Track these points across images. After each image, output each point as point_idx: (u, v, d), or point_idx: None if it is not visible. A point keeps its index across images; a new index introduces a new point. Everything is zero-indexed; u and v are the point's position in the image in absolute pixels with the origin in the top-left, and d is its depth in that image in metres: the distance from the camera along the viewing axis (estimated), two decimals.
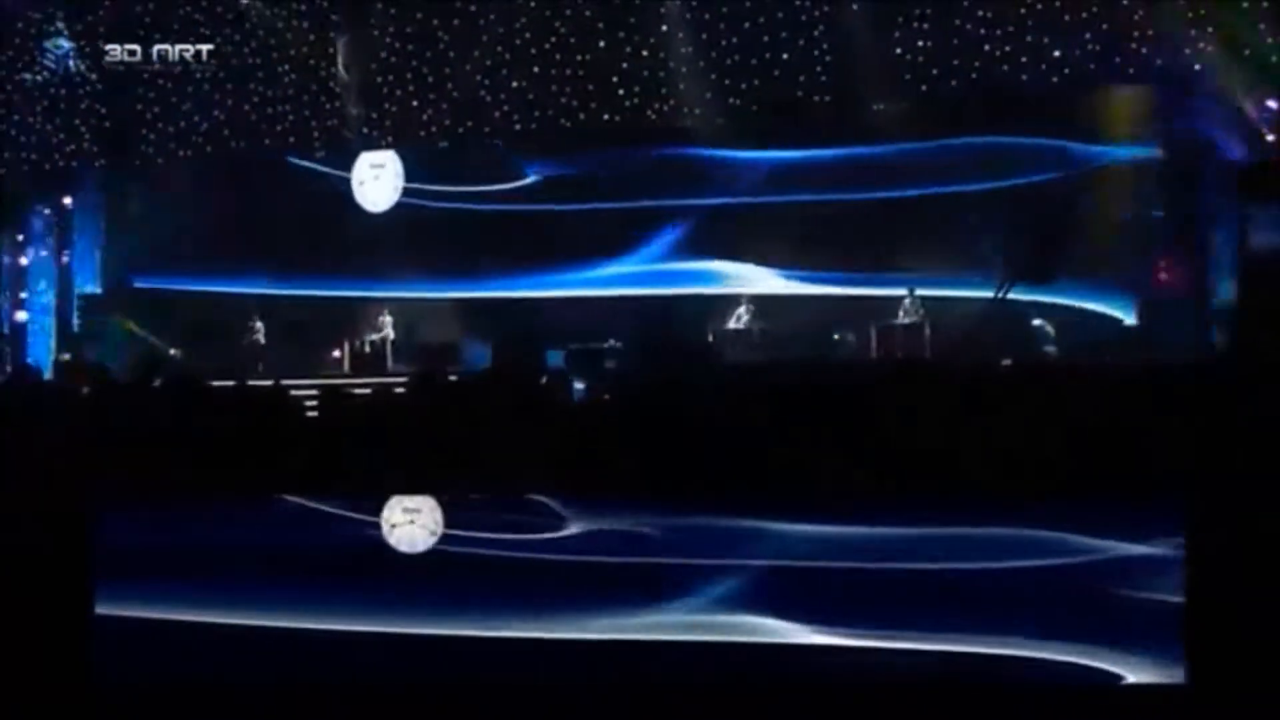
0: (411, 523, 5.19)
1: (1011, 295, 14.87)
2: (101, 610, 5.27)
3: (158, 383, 7.51)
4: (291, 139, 18.09)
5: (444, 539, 5.14)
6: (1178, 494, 4.79)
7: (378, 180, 17.82)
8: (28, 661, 5.29)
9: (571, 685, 5.02)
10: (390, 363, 16.60)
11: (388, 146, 17.79)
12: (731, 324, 16.22)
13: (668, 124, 16.78)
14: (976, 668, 4.88)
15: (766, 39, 16.59)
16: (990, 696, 4.84)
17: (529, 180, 17.26)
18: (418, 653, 5.17)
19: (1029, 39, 15.63)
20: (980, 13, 15.79)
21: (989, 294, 14.79)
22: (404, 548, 5.20)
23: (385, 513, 5.19)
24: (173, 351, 17.33)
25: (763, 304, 16.15)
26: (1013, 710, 4.85)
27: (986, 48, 15.79)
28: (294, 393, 7.51)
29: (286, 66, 18.04)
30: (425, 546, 5.19)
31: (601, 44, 17.16)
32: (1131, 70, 15.21)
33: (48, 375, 16.41)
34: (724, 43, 16.75)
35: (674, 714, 4.96)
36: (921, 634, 4.90)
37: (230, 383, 8.52)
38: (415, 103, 17.81)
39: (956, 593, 4.90)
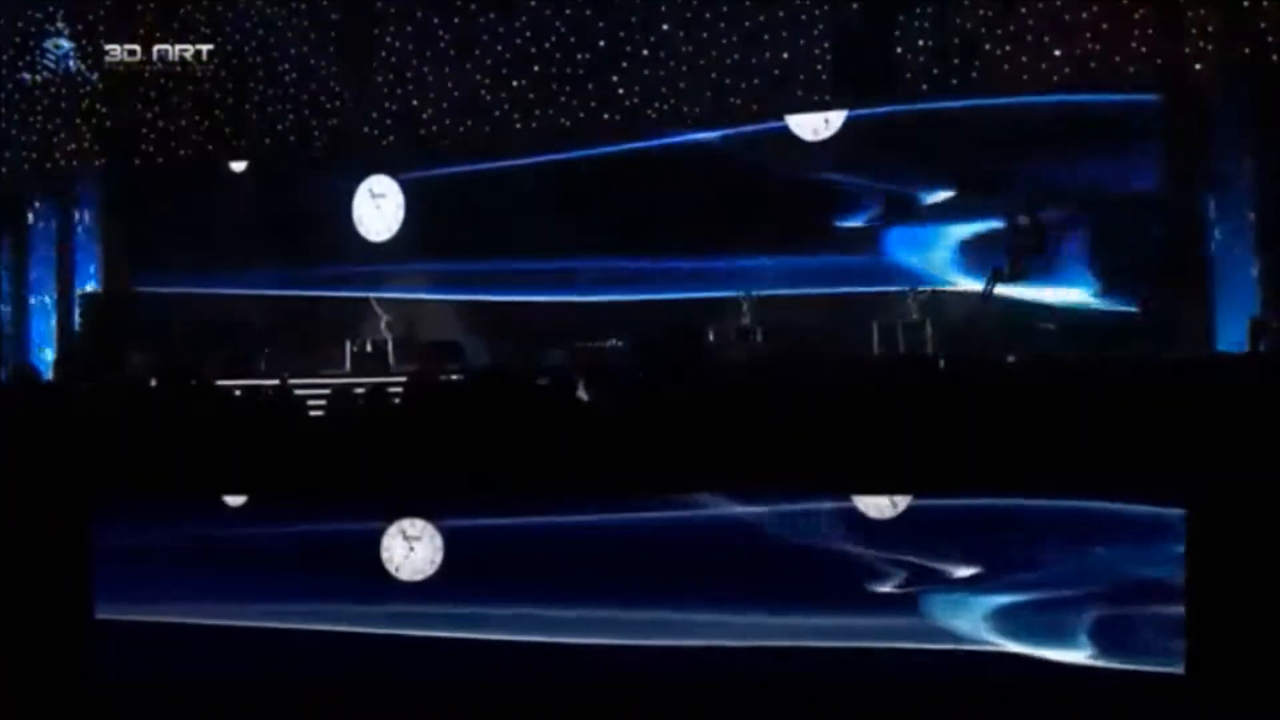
0: (412, 551, 5.16)
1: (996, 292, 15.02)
2: (100, 610, 5.26)
3: (157, 382, 7.51)
4: (291, 138, 18.10)
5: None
6: (1179, 493, 4.79)
7: (379, 210, 17.85)
8: (27, 660, 5.28)
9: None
10: (392, 362, 16.59)
11: None
12: (734, 322, 16.19)
13: None
14: (976, 666, 4.87)
15: (767, 38, 16.59)
16: (991, 695, 4.84)
17: None
18: (420, 655, 5.16)
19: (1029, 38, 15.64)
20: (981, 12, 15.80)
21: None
22: (404, 576, 5.17)
23: (386, 541, 5.17)
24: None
25: (764, 302, 16.10)
26: (1014, 709, 4.84)
27: (987, 47, 15.78)
28: (296, 392, 7.50)
29: (287, 66, 18.05)
30: (425, 575, 5.15)
31: (601, 44, 17.17)
32: (1132, 69, 15.20)
33: (47, 375, 16.42)
34: (724, 42, 16.75)
35: None
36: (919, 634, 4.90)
37: (232, 382, 8.52)
38: (415, 102, 17.80)
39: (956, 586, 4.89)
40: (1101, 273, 14.76)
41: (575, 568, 5.07)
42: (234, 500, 5.33)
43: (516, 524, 5.15)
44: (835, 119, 16.27)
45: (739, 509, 5.00)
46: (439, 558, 5.16)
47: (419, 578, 5.18)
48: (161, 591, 5.31)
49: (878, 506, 4.96)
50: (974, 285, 15.33)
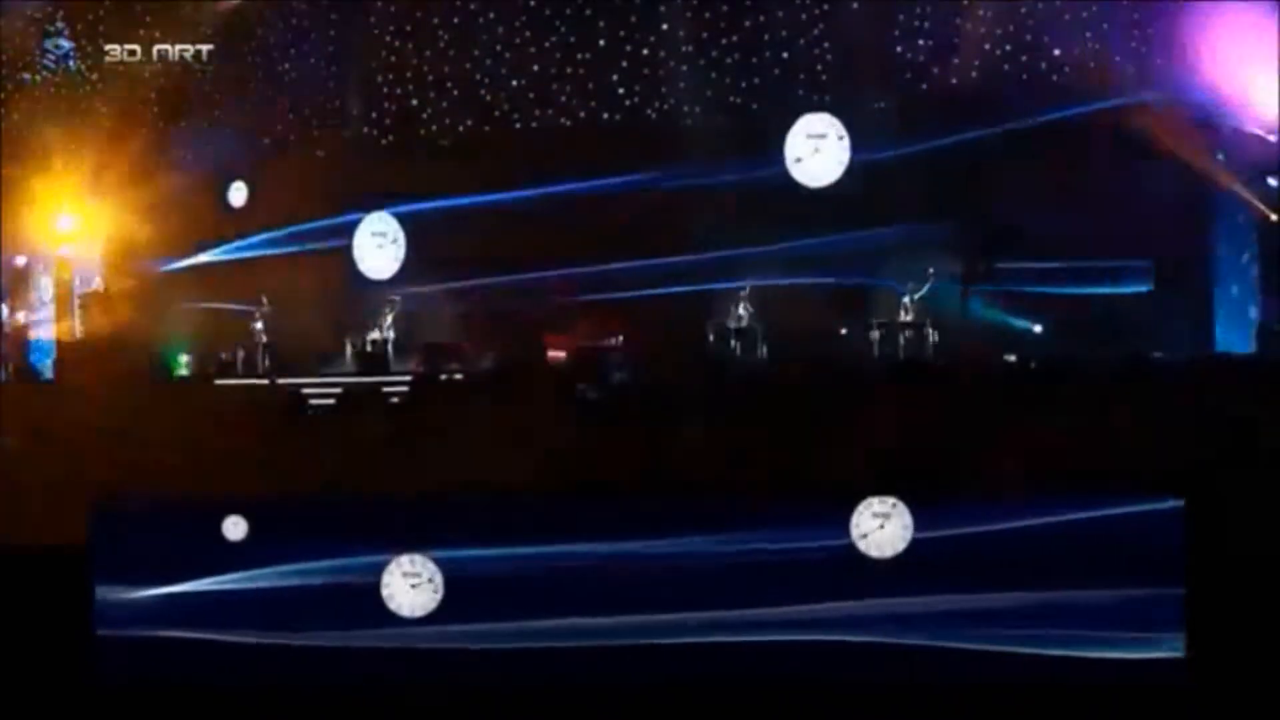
0: (414, 587, 5.12)
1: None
2: (100, 609, 5.25)
3: (159, 383, 7.51)
4: (291, 138, 18.10)
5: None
6: (1178, 493, 4.79)
7: (380, 249, 17.80)
8: (27, 661, 5.28)
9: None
10: (392, 362, 16.59)
11: None
12: (731, 322, 16.17)
13: None
14: (977, 666, 4.87)
15: (767, 39, 16.60)
16: (990, 695, 4.84)
17: None
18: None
19: (1029, 38, 15.65)
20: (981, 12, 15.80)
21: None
22: (405, 611, 5.14)
23: (386, 578, 5.13)
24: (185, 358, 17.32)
25: (763, 302, 16.07)
26: (1014, 709, 4.84)
27: (987, 47, 15.79)
28: (295, 392, 7.50)
29: (287, 66, 18.05)
30: (427, 611, 5.12)
31: (601, 44, 17.17)
32: (1131, 70, 15.21)
33: (48, 375, 16.41)
34: (724, 42, 16.77)
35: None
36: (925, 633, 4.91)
37: (233, 382, 8.52)
38: (415, 102, 17.81)
39: (958, 583, 4.89)
40: None
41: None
42: (235, 534, 5.29)
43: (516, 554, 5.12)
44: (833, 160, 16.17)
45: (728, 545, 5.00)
46: (440, 592, 5.13)
47: (421, 614, 5.16)
48: (161, 589, 5.30)
49: (878, 547, 4.95)
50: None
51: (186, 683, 5.23)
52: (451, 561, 5.12)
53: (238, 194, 18.14)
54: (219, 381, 13.00)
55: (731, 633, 5.00)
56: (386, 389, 11.84)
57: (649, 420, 5.66)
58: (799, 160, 16.30)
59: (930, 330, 15.31)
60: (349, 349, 17.01)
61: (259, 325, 17.20)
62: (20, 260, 18.85)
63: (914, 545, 4.92)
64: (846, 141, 16.12)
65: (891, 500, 4.90)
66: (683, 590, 5.00)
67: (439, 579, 5.13)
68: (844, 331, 15.91)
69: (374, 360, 16.61)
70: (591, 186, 16.49)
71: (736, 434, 5.42)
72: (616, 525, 5.04)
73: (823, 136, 16.22)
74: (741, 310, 16.07)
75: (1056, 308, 15.01)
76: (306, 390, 10.77)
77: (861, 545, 4.92)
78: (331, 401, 7.41)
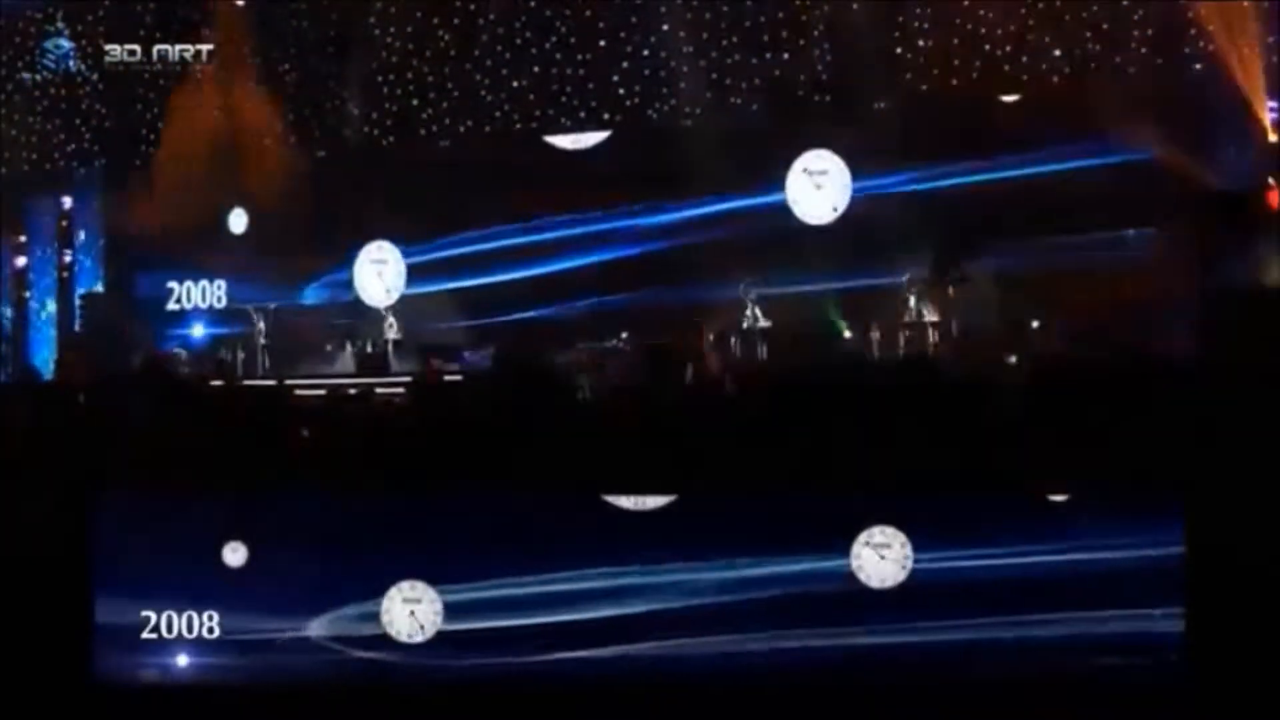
0: (412, 614, 5.09)
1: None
2: (102, 610, 5.25)
3: (160, 382, 7.52)
4: (292, 139, 18.12)
5: None
6: (1177, 494, 4.79)
7: (380, 276, 17.77)
8: (27, 662, 5.28)
9: None
10: (393, 363, 16.61)
11: None
12: (737, 324, 16.16)
13: None
14: (975, 664, 4.87)
15: (767, 39, 16.62)
16: (988, 694, 4.84)
17: None
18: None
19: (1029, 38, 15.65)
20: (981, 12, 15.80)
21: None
22: (404, 638, 5.11)
23: (385, 603, 5.09)
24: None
25: (771, 303, 16.06)
26: (1012, 708, 4.84)
27: (987, 47, 15.79)
28: (297, 392, 7.51)
29: (287, 66, 18.06)
30: (426, 637, 5.09)
31: (601, 44, 17.19)
32: (1132, 70, 15.21)
33: (47, 375, 16.44)
34: (724, 42, 16.78)
35: None
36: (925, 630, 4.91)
37: (233, 382, 8.52)
38: (415, 102, 17.82)
39: (959, 590, 4.90)
40: None
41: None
42: (235, 560, 5.27)
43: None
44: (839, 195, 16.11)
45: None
46: (439, 620, 5.10)
47: (419, 640, 5.13)
48: (162, 590, 5.30)
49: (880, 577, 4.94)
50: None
51: (187, 669, 5.23)
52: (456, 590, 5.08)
53: (238, 220, 18.11)
54: (216, 382, 13.00)
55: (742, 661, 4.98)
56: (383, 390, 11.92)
57: (647, 422, 5.66)
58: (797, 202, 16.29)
59: (932, 332, 15.32)
60: (349, 350, 17.05)
61: (261, 327, 17.22)
62: (21, 261, 18.92)
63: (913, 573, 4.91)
64: (847, 175, 16.11)
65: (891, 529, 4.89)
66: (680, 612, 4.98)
67: (439, 604, 5.10)
68: (847, 334, 15.93)
69: (375, 361, 16.66)
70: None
71: (737, 436, 5.42)
72: (617, 539, 5.03)
73: (824, 173, 16.20)
74: (746, 312, 16.06)
75: (1056, 308, 15.01)
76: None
77: (861, 575, 4.90)
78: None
